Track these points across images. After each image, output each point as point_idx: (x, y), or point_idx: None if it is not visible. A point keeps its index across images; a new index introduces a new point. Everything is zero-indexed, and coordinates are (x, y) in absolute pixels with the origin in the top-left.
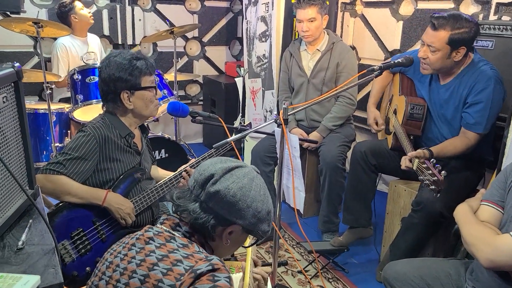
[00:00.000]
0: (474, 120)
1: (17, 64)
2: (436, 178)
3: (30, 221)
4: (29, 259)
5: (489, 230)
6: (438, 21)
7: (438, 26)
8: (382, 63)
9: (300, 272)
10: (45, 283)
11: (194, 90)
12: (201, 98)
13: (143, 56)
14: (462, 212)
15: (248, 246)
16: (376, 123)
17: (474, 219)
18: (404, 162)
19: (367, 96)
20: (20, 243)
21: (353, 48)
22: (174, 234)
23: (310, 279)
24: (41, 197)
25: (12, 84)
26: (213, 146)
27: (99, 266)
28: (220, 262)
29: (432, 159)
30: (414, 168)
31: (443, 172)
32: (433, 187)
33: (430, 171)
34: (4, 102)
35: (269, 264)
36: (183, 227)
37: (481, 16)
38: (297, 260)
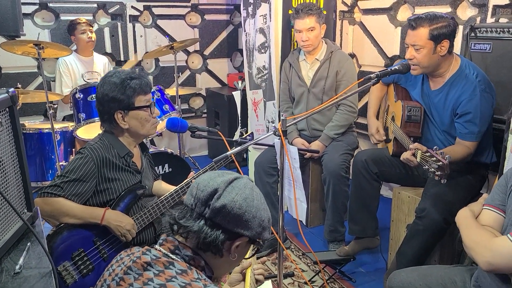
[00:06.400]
0: (467, 130)
1: (11, 90)
2: (441, 163)
3: (28, 244)
4: (26, 283)
5: (488, 233)
6: (416, 21)
7: (416, 25)
8: (379, 71)
9: (306, 283)
10: None
11: (197, 103)
12: (205, 110)
13: (138, 75)
14: (463, 217)
15: (249, 257)
16: (377, 132)
17: (474, 224)
18: (405, 154)
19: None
20: (17, 267)
21: (353, 55)
22: (173, 259)
23: None
24: (40, 219)
25: (7, 109)
26: (213, 160)
27: (98, 286)
28: None
29: (435, 146)
30: (418, 159)
31: (447, 156)
32: (438, 173)
33: (434, 158)
34: None
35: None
36: (183, 250)
37: (478, 19)
38: (304, 271)
